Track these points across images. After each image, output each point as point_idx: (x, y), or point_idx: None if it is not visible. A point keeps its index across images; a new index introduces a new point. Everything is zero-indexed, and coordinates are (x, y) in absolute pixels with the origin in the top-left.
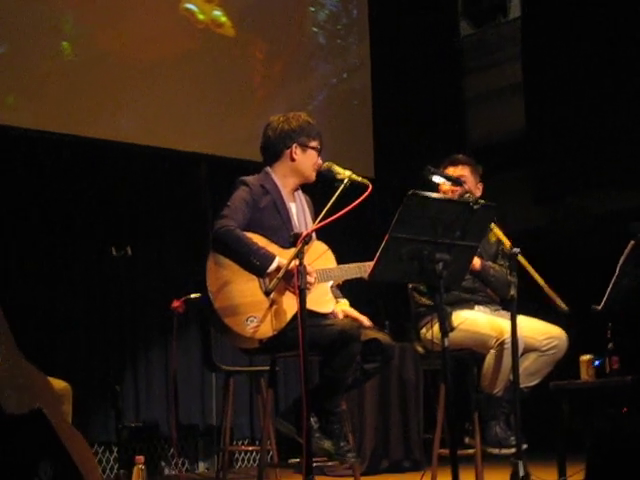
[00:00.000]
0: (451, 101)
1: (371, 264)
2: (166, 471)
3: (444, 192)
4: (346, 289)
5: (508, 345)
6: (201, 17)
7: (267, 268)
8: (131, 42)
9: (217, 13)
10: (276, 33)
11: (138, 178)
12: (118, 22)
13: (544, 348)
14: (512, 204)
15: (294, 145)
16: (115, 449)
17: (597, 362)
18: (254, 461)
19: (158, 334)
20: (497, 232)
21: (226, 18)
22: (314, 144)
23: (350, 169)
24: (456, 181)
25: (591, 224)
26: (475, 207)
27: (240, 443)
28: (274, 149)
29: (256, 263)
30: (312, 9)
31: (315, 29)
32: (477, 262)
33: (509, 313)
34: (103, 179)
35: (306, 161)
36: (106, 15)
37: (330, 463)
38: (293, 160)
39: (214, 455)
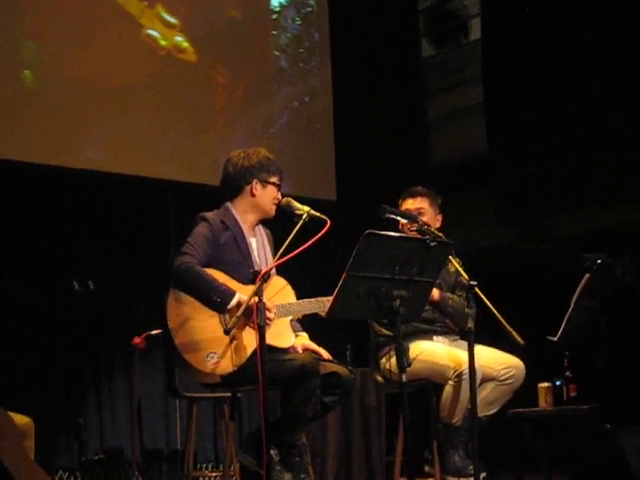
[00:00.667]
0: (414, 122)
1: (329, 299)
2: None
3: (402, 225)
4: (309, 315)
5: (466, 376)
6: (163, 43)
7: (227, 304)
8: (94, 69)
9: (179, 39)
10: (238, 58)
11: (101, 206)
12: (80, 49)
13: (502, 378)
14: (475, 224)
15: (254, 181)
16: (79, 475)
17: (558, 382)
18: None
19: (121, 366)
20: (456, 265)
21: (188, 44)
22: (274, 180)
23: (312, 192)
24: (411, 218)
25: (551, 246)
26: (432, 244)
27: (204, 467)
28: (234, 185)
29: (216, 299)
30: (274, 33)
31: (277, 53)
32: (436, 293)
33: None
34: (66, 209)
35: (266, 197)
36: (68, 43)
37: None
38: (253, 196)
39: None
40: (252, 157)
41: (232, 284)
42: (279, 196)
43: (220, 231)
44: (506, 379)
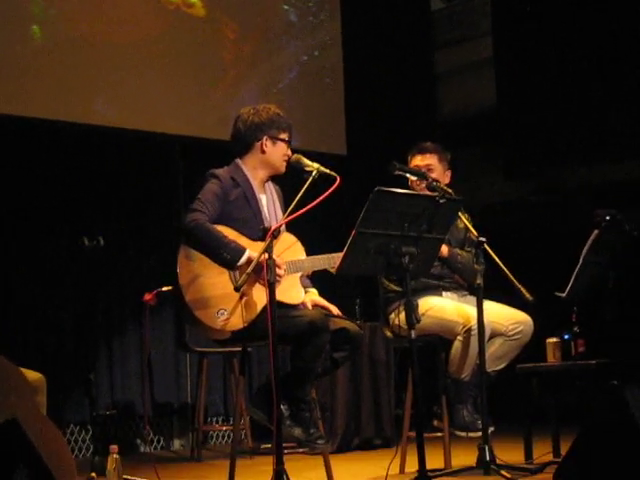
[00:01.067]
0: (423, 76)
1: (338, 255)
2: (141, 449)
3: (412, 182)
4: (318, 271)
5: (475, 332)
6: None
7: (238, 261)
8: (102, 24)
9: None
10: (246, 12)
11: (111, 162)
12: (88, 4)
13: (510, 333)
14: (484, 178)
15: (264, 137)
16: (90, 429)
17: (566, 336)
18: (228, 437)
19: (132, 322)
20: (465, 221)
21: None
22: (284, 136)
23: (322, 146)
24: (421, 175)
25: (560, 200)
26: (441, 201)
27: (214, 420)
28: (244, 141)
29: (226, 257)
30: None
31: (286, 7)
32: (445, 249)
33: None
34: (75, 164)
35: (276, 153)
36: None
37: (300, 449)
38: (263, 152)
39: (189, 433)
40: (262, 114)
41: (242, 241)
42: (289, 152)
43: (230, 188)
44: (514, 334)
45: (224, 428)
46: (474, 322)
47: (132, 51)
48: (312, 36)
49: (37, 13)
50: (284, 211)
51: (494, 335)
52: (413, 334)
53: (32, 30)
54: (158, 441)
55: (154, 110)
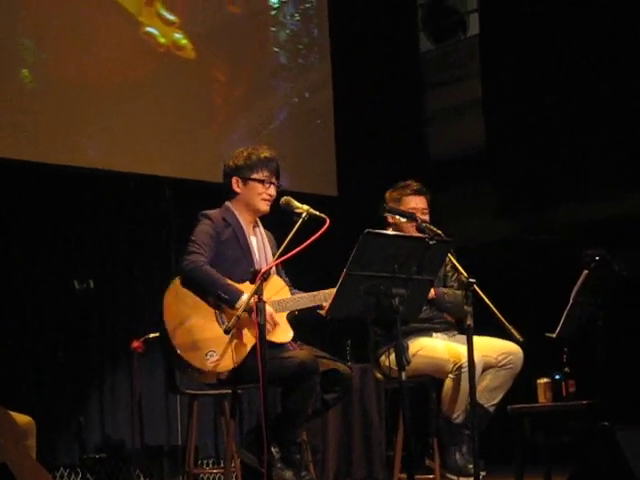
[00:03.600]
0: (412, 117)
1: (324, 292)
2: None
3: (400, 223)
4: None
5: (465, 369)
6: (162, 40)
7: (236, 302)
8: (93, 67)
9: (178, 36)
10: (237, 54)
11: (101, 205)
12: (79, 47)
13: (500, 364)
14: (474, 218)
15: (234, 179)
16: (80, 472)
17: (557, 376)
18: None
19: (122, 365)
20: (454, 261)
21: (187, 41)
22: (257, 176)
23: (313, 188)
24: (411, 217)
25: (550, 238)
26: (431, 243)
27: (205, 462)
28: (225, 185)
29: (225, 297)
30: (273, 29)
31: (276, 49)
32: (431, 291)
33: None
34: (65, 207)
35: (249, 193)
36: (66, 41)
37: None
38: (237, 193)
39: (179, 476)
40: (235, 158)
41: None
42: (270, 191)
43: (222, 227)
44: (505, 364)
45: (215, 471)
46: (465, 359)
47: (122, 93)
48: (302, 78)
49: (27, 57)
50: (275, 255)
51: (485, 368)
52: (404, 376)
53: (22, 74)
54: None
55: (144, 152)
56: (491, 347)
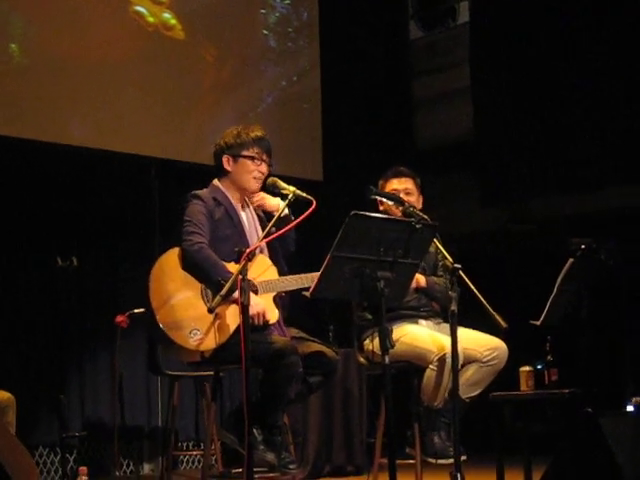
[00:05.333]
0: (400, 103)
1: (312, 275)
2: (112, 473)
3: (385, 206)
4: (292, 294)
5: (448, 360)
6: (151, 20)
7: (235, 291)
8: (81, 45)
9: (167, 16)
10: (226, 36)
11: (86, 183)
12: (68, 24)
13: (485, 359)
14: (460, 206)
15: (225, 157)
16: (59, 452)
17: (539, 366)
18: (198, 462)
19: (104, 343)
20: (439, 247)
21: (176, 21)
22: (247, 153)
23: (299, 172)
24: (397, 200)
25: (535, 229)
26: (417, 226)
27: (185, 445)
28: (216, 163)
29: (223, 283)
30: (263, 12)
31: (265, 32)
32: (422, 279)
33: None
34: (49, 184)
35: (239, 170)
36: (56, 17)
37: (271, 474)
38: (228, 171)
39: (159, 457)
40: (225, 136)
41: None
42: (261, 169)
43: (213, 207)
44: (489, 360)
45: (194, 453)
46: (447, 351)
47: (110, 72)
48: (291, 62)
49: (16, 32)
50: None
51: (468, 361)
52: (387, 359)
53: (10, 48)
54: (127, 465)
55: (131, 132)
56: (477, 341)
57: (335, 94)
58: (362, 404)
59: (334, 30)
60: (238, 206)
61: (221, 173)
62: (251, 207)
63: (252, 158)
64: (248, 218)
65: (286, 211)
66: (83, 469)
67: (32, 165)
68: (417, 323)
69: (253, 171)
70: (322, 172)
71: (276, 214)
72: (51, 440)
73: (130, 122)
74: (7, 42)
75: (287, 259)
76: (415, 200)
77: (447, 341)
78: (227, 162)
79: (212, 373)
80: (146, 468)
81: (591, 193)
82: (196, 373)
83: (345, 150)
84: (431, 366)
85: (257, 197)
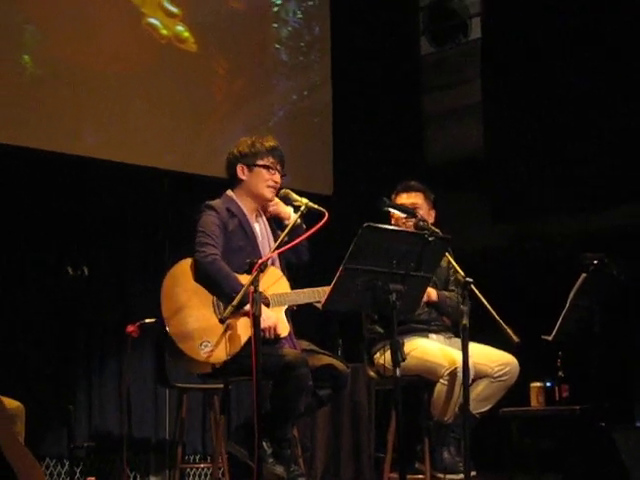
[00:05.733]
0: (411, 119)
1: (324, 289)
2: None
3: (397, 220)
4: (301, 309)
5: (459, 375)
6: (164, 32)
7: (245, 306)
8: (94, 56)
9: (180, 28)
10: (238, 49)
11: (97, 195)
12: (81, 36)
13: (496, 375)
14: (471, 223)
15: (239, 166)
16: (67, 463)
17: (549, 384)
18: (205, 476)
19: (113, 353)
20: (451, 261)
21: (189, 34)
22: (262, 162)
23: (309, 186)
24: (410, 212)
25: (546, 246)
26: (430, 239)
27: (192, 458)
28: (229, 173)
29: (235, 296)
30: (275, 26)
31: (277, 46)
32: (433, 293)
33: None
34: (62, 195)
35: (254, 179)
36: (69, 29)
37: None
38: (242, 180)
39: (166, 470)
40: (239, 145)
41: None
42: (275, 178)
43: (227, 218)
44: (500, 376)
45: (202, 466)
46: (458, 365)
47: (123, 84)
48: (302, 76)
49: (29, 43)
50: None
51: (479, 376)
52: (398, 372)
53: (24, 60)
54: (134, 477)
55: (142, 143)
56: (489, 356)
57: (346, 109)
58: (371, 419)
59: (345, 45)
60: (252, 217)
61: (234, 183)
62: (264, 217)
63: (267, 167)
64: (261, 229)
65: (298, 221)
66: (91, 479)
67: (45, 176)
68: (428, 337)
69: (268, 180)
70: (332, 186)
71: (289, 224)
72: (58, 452)
73: (142, 134)
74: (20, 53)
75: (300, 268)
76: (424, 214)
77: (458, 355)
78: (242, 171)
79: (221, 386)
80: None
81: (601, 211)
82: (205, 385)
83: (355, 165)
84: (442, 380)
85: (272, 203)
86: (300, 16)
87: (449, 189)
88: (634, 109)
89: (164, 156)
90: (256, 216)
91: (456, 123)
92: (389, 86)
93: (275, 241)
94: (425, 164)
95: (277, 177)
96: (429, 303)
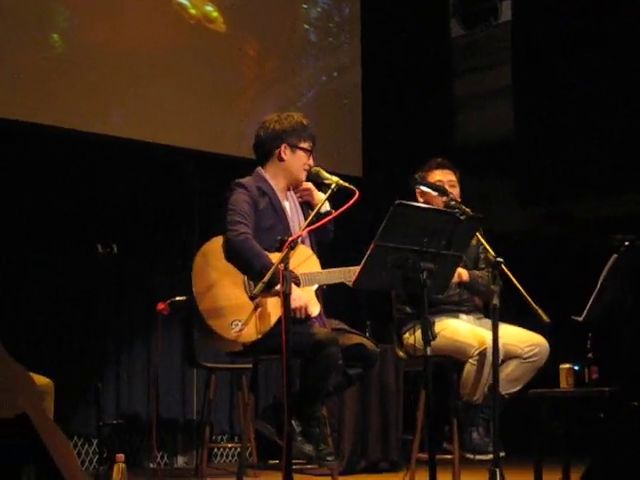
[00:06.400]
0: (441, 102)
1: (355, 269)
2: (145, 464)
3: (425, 198)
4: (330, 290)
5: (489, 355)
6: (193, 12)
7: (276, 284)
8: (123, 35)
9: (209, 8)
10: (268, 30)
11: (126, 173)
12: (110, 15)
13: (526, 355)
14: (499, 206)
15: (283, 145)
16: (95, 442)
17: (576, 367)
18: (232, 457)
19: (142, 332)
20: (482, 240)
21: (217, 14)
22: (304, 145)
23: (338, 168)
24: (442, 190)
25: (573, 230)
26: (462, 218)
27: (219, 438)
28: (264, 149)
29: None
30: (304, 6)
31: (307, 26)
32: (465, 274)
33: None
34: (91, 174)
35: (295, 162)
36: (98, 8)
37: (309, 466)
38: (282, 160)
39: (193, 450)
40: (284, 121)
41: None
42: (310, 162)
43: (257, 197)
44: (530, 357)
45: (229, 445)
46: (488, 345)
47: (152, 63)
48: (331, 57)
49: (58, 22)
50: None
51: (509, 357)
52: (429, 351)
53: (52, 38)
54: (162, 457)
55: (171, 123)
56: (518, 337)
57: (375, 90)
58: (399, 400)
59: (375, 26)
60: (282, 195)
61: (267, 159)
62: (294, 196)
63: (308, 151)
64: (291, 208)
65: (327, 206)
66: (120, 456)
67: (73, 154)
68: (458, 317)
69: (305, 164)
70: (361, 168)
71: (320, 202)
72: (86, 430)
73: (170, 114)
74: (49, 32)
75: (325, 247)
76: (457, 193)
77: (488, 335)
78: (284, 151)
79: (249, 366)
80: (180, 460)
81: (631, 194)
82: (233, 365)
83: (385, 147)
84: (471, 360)
85: (305, 188)
86: None
87: (478, 172)
88: None
89: (193, 136)
90: (286, 194)
91: (486, 106)
92: (419, 68)
93: (305, 220)
94: (454, 146)
95: (312, 161)
96: (460, 283)
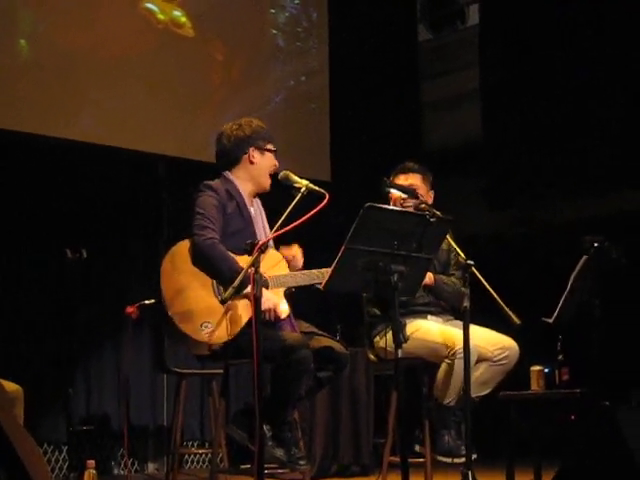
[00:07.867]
0: (409, 106)
1: (322, 271)
2: (115, 471)
3: (394, 200)
4: (300, 293)
5: (460, 355)
6: (161, 17)
7: (244, 289)
8: (91, 40)
9: (177, 13)
10: (235, 35)
11: (95, 179)
12: (77, 20)
13: (496, 358)
14: (467, 210)
15: (251, 149)
16: (65, 448)
17: (547, 369)
18: (204, 463)
19: (111, 337)
20: (452, 244)
21: (186, 19)
22: (270, 147)
23: (306, 172)
24: (411, 193)
25: (544, 231)
26: (431, 220)
27: (190, 444)
28: (230, 157)
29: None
30: (272, 11)
31: (275, 31)
32: (430, 277)
33: (461, 322)
34: (59, 179)
35: (265, 163)
36: (65, 13)
37: (281, 470)
38: (252, 164)
39: (164, 456)
40: (245, 127)
41: None
42: (277, 163)
43: (226, 200)
44: (500, 360)
45: (200, 451)
46: (460, 345)
47: (119, 68)
48: (299, 61)
49: (25, 28)
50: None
51: (479, 360)
52: (400, 353)
53: (20, 44)
54: (132, 463)
55: (139, 128)
56: (489, 340)
57: (343, 95)
58: (370, 404)
59: (343, 31)
60: (248, 201)
61: (234, 164)
62: (258, 202)
63: (274, 152)
64: (256, 212)
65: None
66: (91, 462)
67: (41, 160)
68: (426, 318)
69: (272, 166)
70: (330, 172)
71: (287, 210)
72: (56, 437)
73: (138, 119)
74: (17, 38)
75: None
76: (424, 195)
77: (459, 335)
78: (253, 154)
79: (219, 371)
80: (150, 467)
81: (598, 197)
82: (204, 371)
83: (353, 151)
84: (447, 360)
85: (293, 252)
86: (297, 2)
87: (446, 176)
88: (630, 98)
89: (161, 141)
90: (251, 200)
91: (454, 109)
92: (387, 72)
93: (269, 225)
94: (422, 150)
95: (277, 162)
96: (425, 287)
